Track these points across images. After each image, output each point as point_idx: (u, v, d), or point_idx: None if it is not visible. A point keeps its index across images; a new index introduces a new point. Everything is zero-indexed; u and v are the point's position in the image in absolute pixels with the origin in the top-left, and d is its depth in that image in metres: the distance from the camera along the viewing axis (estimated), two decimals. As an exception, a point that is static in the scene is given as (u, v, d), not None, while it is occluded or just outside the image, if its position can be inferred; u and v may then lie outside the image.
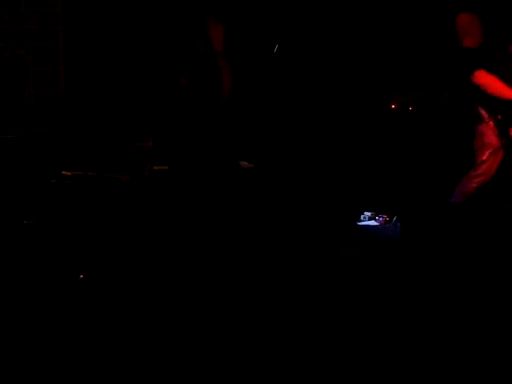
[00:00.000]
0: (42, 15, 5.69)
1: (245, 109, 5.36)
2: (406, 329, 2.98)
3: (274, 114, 5.77)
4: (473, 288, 3.46)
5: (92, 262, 3.73)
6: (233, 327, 2.95)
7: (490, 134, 4.60)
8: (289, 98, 5.84)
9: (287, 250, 4.05)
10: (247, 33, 5.46)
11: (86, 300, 3.24)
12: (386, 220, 4.98)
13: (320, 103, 5.90)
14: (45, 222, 4.39)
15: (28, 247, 3.96)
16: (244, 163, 5.41)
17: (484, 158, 4.61)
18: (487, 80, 4.48)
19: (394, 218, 4.95)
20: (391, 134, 5.68)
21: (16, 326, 2.93)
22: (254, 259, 3.85)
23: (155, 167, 5.39)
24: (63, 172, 5.25)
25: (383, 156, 5.63)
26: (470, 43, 4.59)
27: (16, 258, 3.77)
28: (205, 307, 3.17)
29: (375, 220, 4.98)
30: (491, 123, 4.56)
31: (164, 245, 4.03)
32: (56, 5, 5.71)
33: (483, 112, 4.58)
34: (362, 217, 5.02)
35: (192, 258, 3.83)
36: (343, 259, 3.97)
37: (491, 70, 4.51)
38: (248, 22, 5.56)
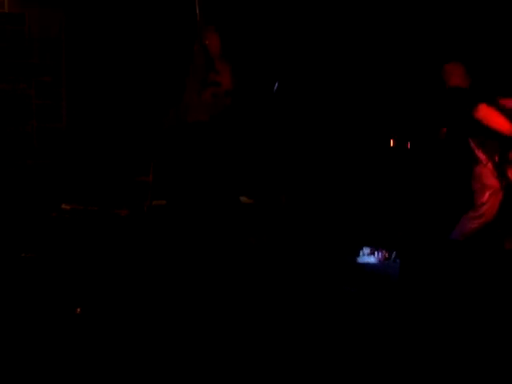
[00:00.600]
0: (45, 50, 5.77)
1: (245, 144, 5.39)
2: (404, 365, 2.95)
3: (273, 150, 5.81)
4: (471, 326, 3.43)
5: (90, 296, 3.71)
6: (228, 359, 2.92)
7: (488, 175, 4.58)
8: (288, 135, 5.88)
9: (286, 286, 4.04)
10: (247, 71, 5.52)
11: (82, 333, 3.21)
12: (385, 256, 4.98)
13: (319, 141, 5.94)
14: (43, 256, 4.37)
15: (26, 280, 3.94)
16: (243, 198, 5.42)
17: (484, 199, 4.59)
18: (489, 113, 4.44)
19: (394, 255, 4.95)
20: (390, 170, 5.71)
21: (14, 358, 2.90)
22: (254, 293, 3.83)
23: (154, 202, 5.39)
24: (63, 205, 5.24)
25: (382, 192, 5.65)
26: (458, 84, 4.62)
27: (14, 291, 3.74)
28: (202, 343, 3.14)
29: (374, 256, 4.98)
30: (489, 165, 4.56)
31: (163, 279, 4.01)
32: (59, 40, 5.79)
33: (481, 154, 4.59)
34: (361, 252, 5.03)
35: (192, 293, 3.81)
36: (342, 297, 3.95)
37: None
38: (249, 61, 5.62)
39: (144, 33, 5.80)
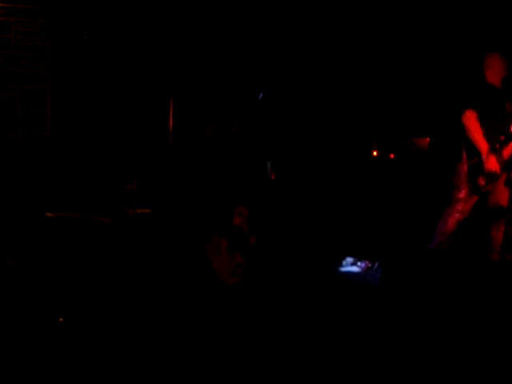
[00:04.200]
0: (31, 59, 5.77)
1: (230, 155, 5.40)
2: (386, 377, 2.97)
3: (256, 161, 5.83)
4: (455, 336, 3.46)
5: (72, 304, 3.70)
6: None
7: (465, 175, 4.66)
8: (270, 146, 5.91)
9: (268, 296, 4.05)
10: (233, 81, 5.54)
11: (65, 343, 3.20)
12: (367, 266, 5.00)
13: (304, 149, 5.97)
14: (26, 264, 4.36)
15: (9, 288, 3.93)
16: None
17: (461, 196, 4.65)
18: (470, 123, 4.53)
19: (376, 265, 4.98)
20: (372, 180, 5.75)
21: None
22: (234, 306, 3.84)
23: (139, 210, 5.39)
24: (47, 213, 5.24)
25: (366, 202, 5.69)
26: (491, 79, 4.64)
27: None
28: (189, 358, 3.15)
29: (357, 266, 5.01)
30: (465, 166, 4.63)
31: (145, 289, 4.01)
32: (46, 49, 5.80)
33: (463, 153, 4.65)
34: (343, 262, 5.05)
35: (175, 304, 3.81)
36: (324, 305, 3.96)
37: (491, 112, 4.56)
38: (232, 69, 5.65)
39: (132, 40, 5.82)
